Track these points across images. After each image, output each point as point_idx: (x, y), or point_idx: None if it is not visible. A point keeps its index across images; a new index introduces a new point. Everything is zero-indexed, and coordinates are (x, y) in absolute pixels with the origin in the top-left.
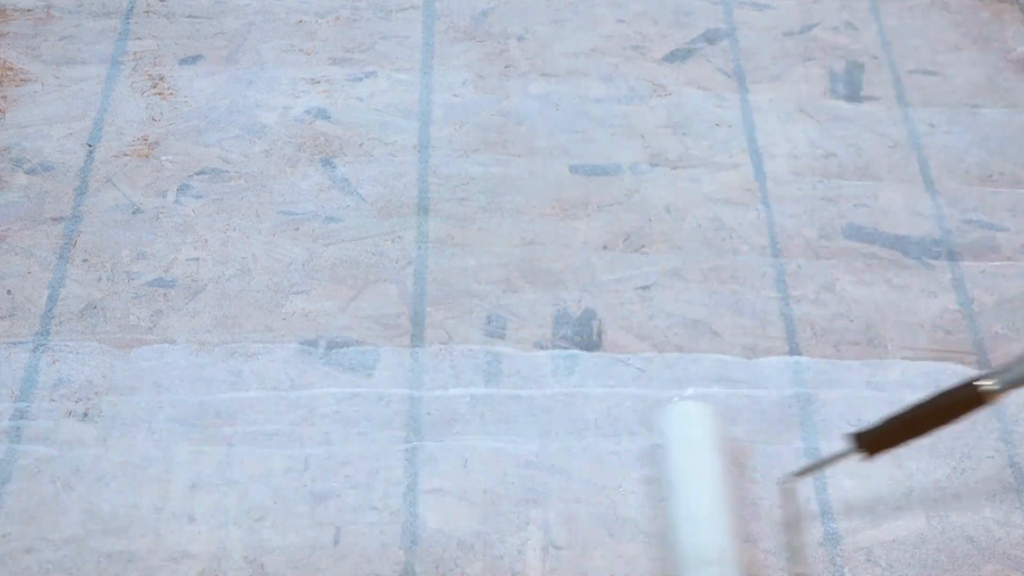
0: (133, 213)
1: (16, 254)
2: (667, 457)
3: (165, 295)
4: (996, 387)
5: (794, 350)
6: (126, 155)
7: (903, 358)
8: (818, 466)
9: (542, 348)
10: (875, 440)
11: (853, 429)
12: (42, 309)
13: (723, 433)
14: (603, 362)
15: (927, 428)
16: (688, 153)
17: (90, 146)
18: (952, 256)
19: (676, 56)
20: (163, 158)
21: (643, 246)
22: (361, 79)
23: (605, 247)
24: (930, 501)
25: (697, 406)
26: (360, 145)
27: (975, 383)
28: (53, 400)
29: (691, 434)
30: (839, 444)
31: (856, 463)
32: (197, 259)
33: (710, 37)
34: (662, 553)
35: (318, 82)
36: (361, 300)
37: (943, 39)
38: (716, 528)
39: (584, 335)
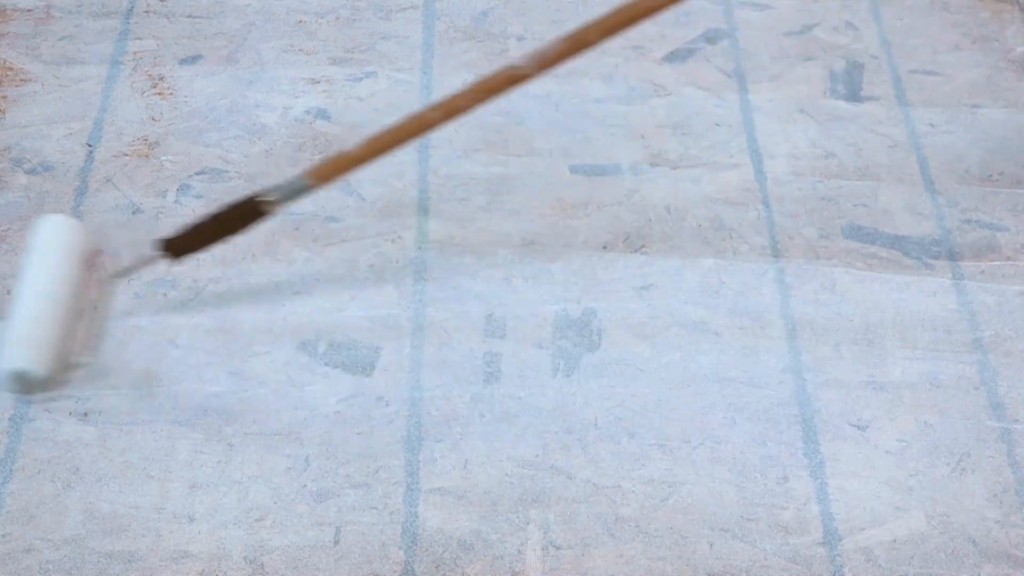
0: (133, 213)
1: (16, 254)
2: (22, 265)
3: (165, 295)
4: (272, 199)
5: (794, 349)
6: (126, 155)
7: (903, 358)
8: (133, 268)
9: (542, 348)
10: (178, 245)
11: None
12: None
13: (80, 242)
14: (603, 362)
15: (221, 236)
16: (688, 153)
17: (90, 146)
18: (952, 256)
19: (676, 56)
20: (163, 158)
21: (643, 246)
22: (361, 79)
23: (605, 247)
24: (930, 501)
25: (58, 219)
26: None
27: (255, 198)
28: (53, 400)
29: (45, 244)
30: (834, 443)
31: (167, 265)
32: (197, 259)
33: (710, 37)
34: None
35: (318, 82)
36: (361, 300)
37: (943, 39)
38: (40, 315)
39: (584, 335)
